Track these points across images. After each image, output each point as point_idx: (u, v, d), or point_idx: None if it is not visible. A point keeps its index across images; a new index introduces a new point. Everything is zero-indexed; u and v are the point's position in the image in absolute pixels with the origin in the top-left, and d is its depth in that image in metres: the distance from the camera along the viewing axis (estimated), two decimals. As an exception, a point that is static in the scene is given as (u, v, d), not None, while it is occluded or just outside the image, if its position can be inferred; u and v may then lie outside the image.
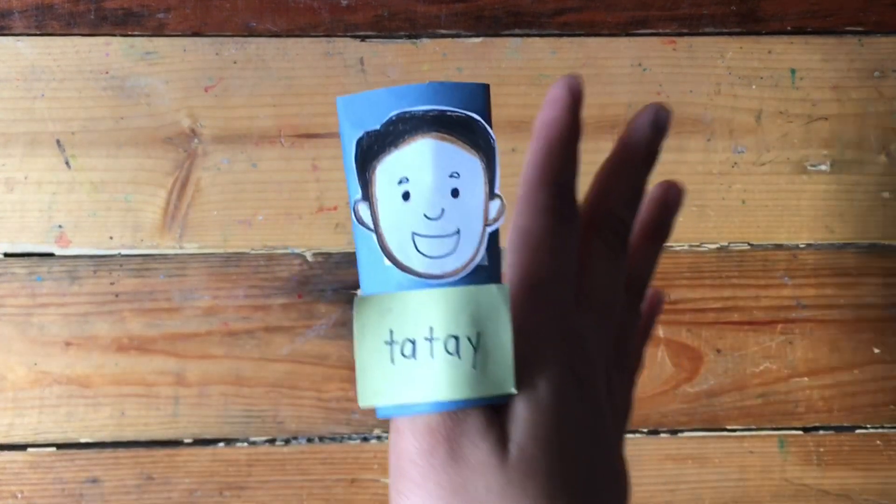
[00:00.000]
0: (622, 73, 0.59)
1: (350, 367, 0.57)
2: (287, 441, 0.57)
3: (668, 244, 0.59)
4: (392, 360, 0.30)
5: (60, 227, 0.57)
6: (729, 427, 0.59)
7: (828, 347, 0.59)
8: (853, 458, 0.59)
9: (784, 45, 0.59)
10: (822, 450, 0.59)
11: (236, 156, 0.58)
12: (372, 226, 0.30)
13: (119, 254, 0.57)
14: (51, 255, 0.57)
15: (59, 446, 0.57)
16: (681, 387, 0.59)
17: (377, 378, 0.30)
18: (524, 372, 0.30)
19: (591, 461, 0.31)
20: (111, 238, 0.57)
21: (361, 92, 0.30)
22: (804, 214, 0.59)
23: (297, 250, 0.58)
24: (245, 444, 0.57)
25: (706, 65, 0.59)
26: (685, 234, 0.59)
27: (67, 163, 0.57)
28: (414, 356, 0.30)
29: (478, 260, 0.31)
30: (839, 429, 0.59)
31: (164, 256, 0.57)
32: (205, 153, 0.58)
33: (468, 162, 0.31)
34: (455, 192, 0.31)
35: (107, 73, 0.57)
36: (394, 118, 0.30)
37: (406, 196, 0.30)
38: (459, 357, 0.30)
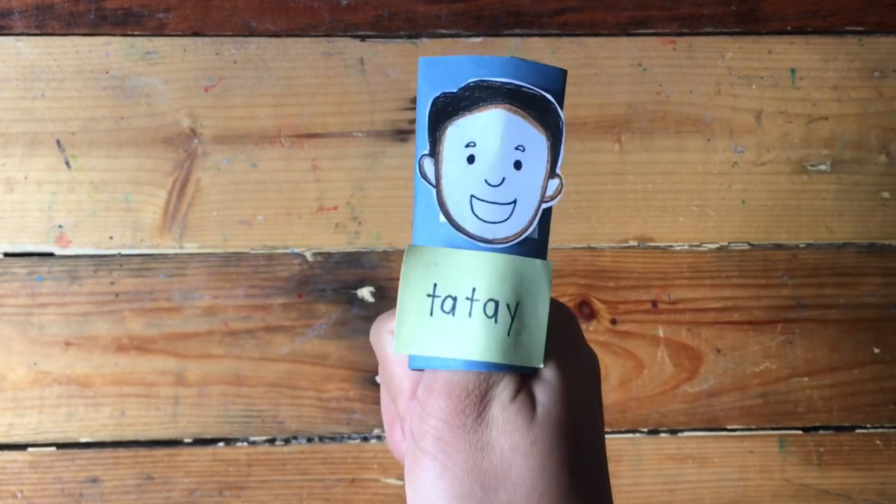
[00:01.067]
0: (622, 73, 0.59)
1: (349, 367, 0.57)
2: (287, 441, 0.57)
3: (668, 244, 0.59)
4: (431, 313, 0.31)
5: (60, 227, 0.57)
6: (729, 427, 0.59)
7: (828, 347, 0.59)
8: (853, 457, 0.59)
9: (784, 45, 0.59)
10: (822, 449, 0.59)
11: (236, 156, 0.58)
12: (434, 181, 0.32)
13: (119, 254, 0.57)
14: (51, 254, 0.57)
15: (59, 446, 0.57)
16: (681, 386, 0.59)
17: (415, 327, 0.31)
18: (561, 342, 0.32)
19: (599, 443, 0.33)
20: (111, 238, 0.57)
21: (443, 57, 0.31)
22: (804, 214, 0.59)
23: (297, 250, 0.58)
24: (245, 443, 0.57)
25: (706, 65, 0.59)
26: (685, 234, 0.59)
27: (67, 163, 0.57)
28: (453, 313, 0.31)
29: (528, 232, 0.32)
30: (839, 429, 0.59)
31: (164, 256, 0.57)
32: (205, 153, 0.58)
33: (535, 138, 0.32)
34: (518, 165, 0.32)
35: (107, 73, 0.57)
36: (472, 84, 0.31)
37: (471, 159, 0.32)
38: (496, 321, 0.31)
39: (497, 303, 0.31)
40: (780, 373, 0.59)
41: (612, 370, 0.58)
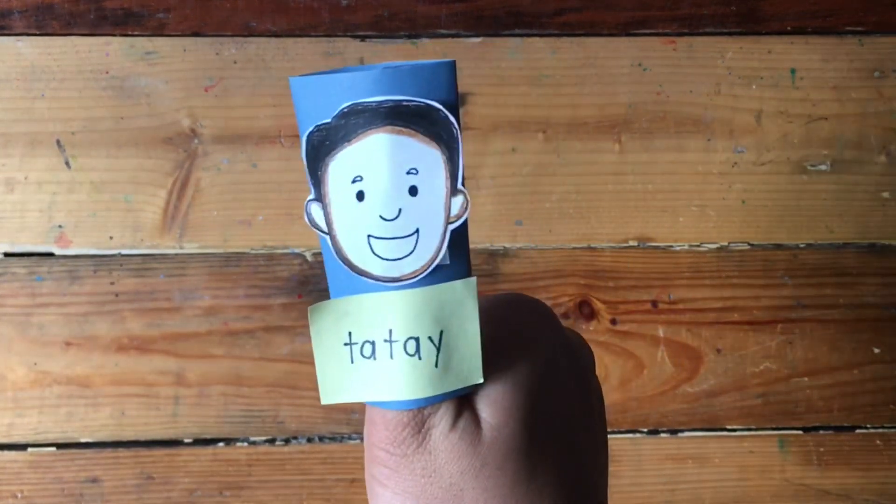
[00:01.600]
0: (622, 73, 0.59)
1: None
2: (287, 441, 0.58)
3: (668, 244, 0.59)
4: (352, 360, 0.30)
5: (60, 227, 0.57)
6: (729, 427, 0.59)
7: (827, 347, 0.59)
8: (853, 457, 0.59)
9: (784, 45, 0.59)
10: (822, 450, 0.59)
11: (236, 156, 0.58)
12: (325, 228, 0.29)
13: (119, 254, 0.58)
14: (51, 255, 0.57)
15: (59, 446, 0.57)
16: (681, 387, 0.59)
17: (337, 377, 0.30)
18: (503, 355, 0.31)
19: (573, 445, 0.32)
20: (111, 238, 0.58)
21: (316, 74, 0.27)
22: (804, 214, 0.59)
23: (297, 250, 0.58)
24: (245, 443, 0.58)
25: (706, 65, 0.59)
26: (685, 234, 0.59)
27: (67, 163, 0.58)
28: (374, 357, 0.30)
29: (438, 260, 0.29)
30: (839, 429, 0.59)
31: (164, 256, 0.58)
32: (205, 153, 0.58)
33: (428, 155, 0.28)
34: (413, 190, 0.29)
35: (107, 73, 0.58)
36: (345, 110, 0.27)
37: (360, 196, 0.28)
38: (420, 358, 0.29)
39: (417, 339, 0.29)
40: (780, 373, 0.59)
41: (612, 370, 0.58)
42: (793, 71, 0.59)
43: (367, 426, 0.30)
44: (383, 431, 0.30)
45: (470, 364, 0.30)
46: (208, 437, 0.57)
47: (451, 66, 0.27)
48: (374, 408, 0.30)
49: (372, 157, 0.28)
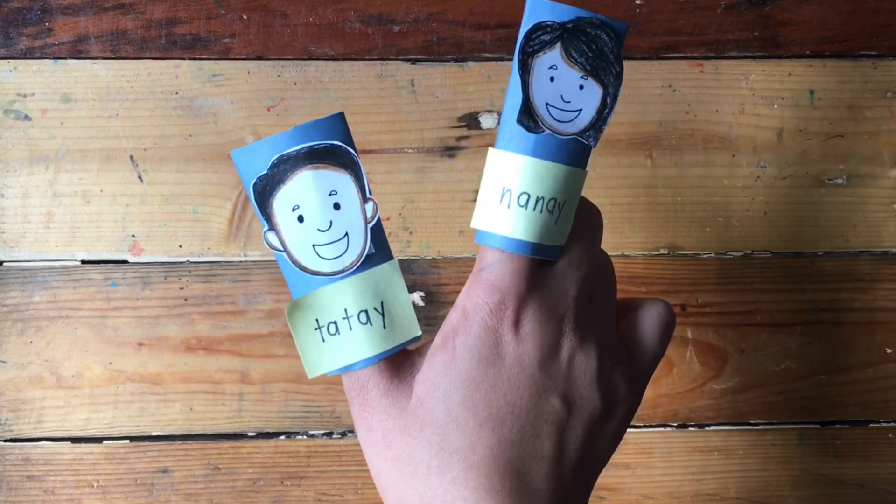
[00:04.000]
0: (654, 94, 0.62)
1: (402, 365, 0.61)
2: (343, 434, 0.61)
3: (696, 252, 0.62)
4: (323, 340, 0.39)
5: (134, 236, 0.61)
6: (752, 421, 0.62)
7: (843, 348, 0.62)
8: (867, 450, 0.62)
9: (803, 67, 0.62)
10: (838, 442, 0.62)
11: (296, 170, 0.61)
12: (282, 248, 0.39)
13: (188, 261, 0.61)
14: (125, 262, 0.61)
15: (133, 439, 0.60)
16: (708, 384, 0.62)
17: (315, 355, 0.40)
18: (448, 339, 0.39)
19: (495, 425, 0.38)
20: (180, 246, 0.61)
21: (247, 145, 0.38)
22: (822, 224, 0.62)
23: (352, 258, 0.61)
24: (304, 436, 0.61)
25: (731, 86, 0.62)
26: (712, 242, 0.62)
27: (140, 177, 0.61)
28: (338, 332, 0.39)
29: (366, 251, 0.39)
30: (854, 423, 0.62)
31: (229, 263, 0.61)
32: (267, 168, 0.61)
33: (340, 179, 0.39)
34: (336, 206, 0.39)
35: (176, 93, 0.61)
36: (276, 161, 0.38)
37: (301, 219, 0.38)
38: (371, 324, 0.39)
39: (367, 311, 0.39)
40: (800, 371, 0.62)
41: (644, 369, 0.62)
42: (811, 92, 0.63)
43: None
44: (348, 391, 0.40)
45: (408, 323, 0.40)
46: (270, 430, 0.61)
47: (342, 116, 0.38)
48: (344, 375, 0.40)
49: (302, 189, 0.38)
